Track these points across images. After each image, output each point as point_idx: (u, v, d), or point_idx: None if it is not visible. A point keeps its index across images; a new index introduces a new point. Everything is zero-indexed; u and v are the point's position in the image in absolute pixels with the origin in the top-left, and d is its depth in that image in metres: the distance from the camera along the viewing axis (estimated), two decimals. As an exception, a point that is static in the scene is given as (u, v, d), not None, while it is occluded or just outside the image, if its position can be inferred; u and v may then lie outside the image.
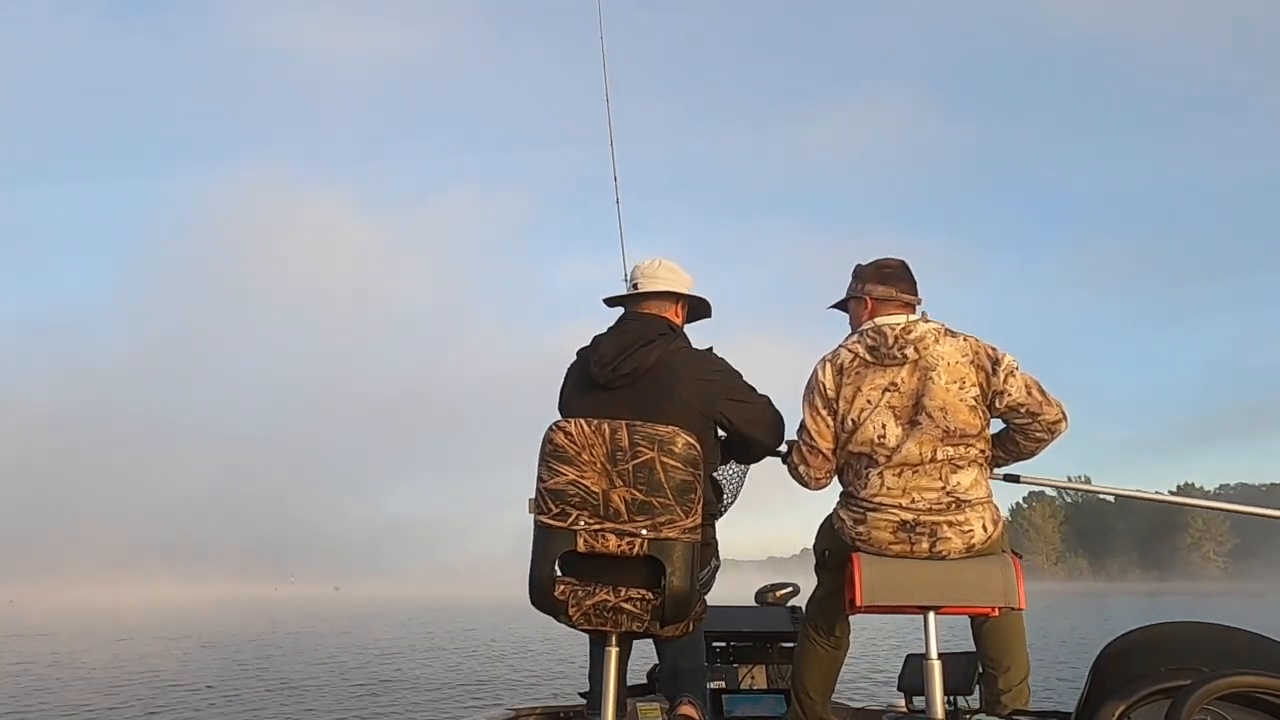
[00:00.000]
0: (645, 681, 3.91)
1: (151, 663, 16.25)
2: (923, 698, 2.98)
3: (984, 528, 3.04)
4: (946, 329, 3.16)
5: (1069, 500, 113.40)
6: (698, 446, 2.84)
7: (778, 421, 3.27)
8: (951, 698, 3.42)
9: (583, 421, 2.85)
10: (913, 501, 3.04)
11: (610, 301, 3.38)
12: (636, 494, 2.82)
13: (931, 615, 2.97)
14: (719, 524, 3.27)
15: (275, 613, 40.24)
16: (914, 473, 3.05)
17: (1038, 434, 3.12)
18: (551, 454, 2.82)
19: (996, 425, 3.20)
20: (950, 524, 3.02)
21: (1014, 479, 3.40)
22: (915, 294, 3.24)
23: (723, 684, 3.78)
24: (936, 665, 2.91)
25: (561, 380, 3.29)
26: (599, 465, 2.82)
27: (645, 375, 3.13)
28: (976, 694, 3.39)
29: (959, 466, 3.06)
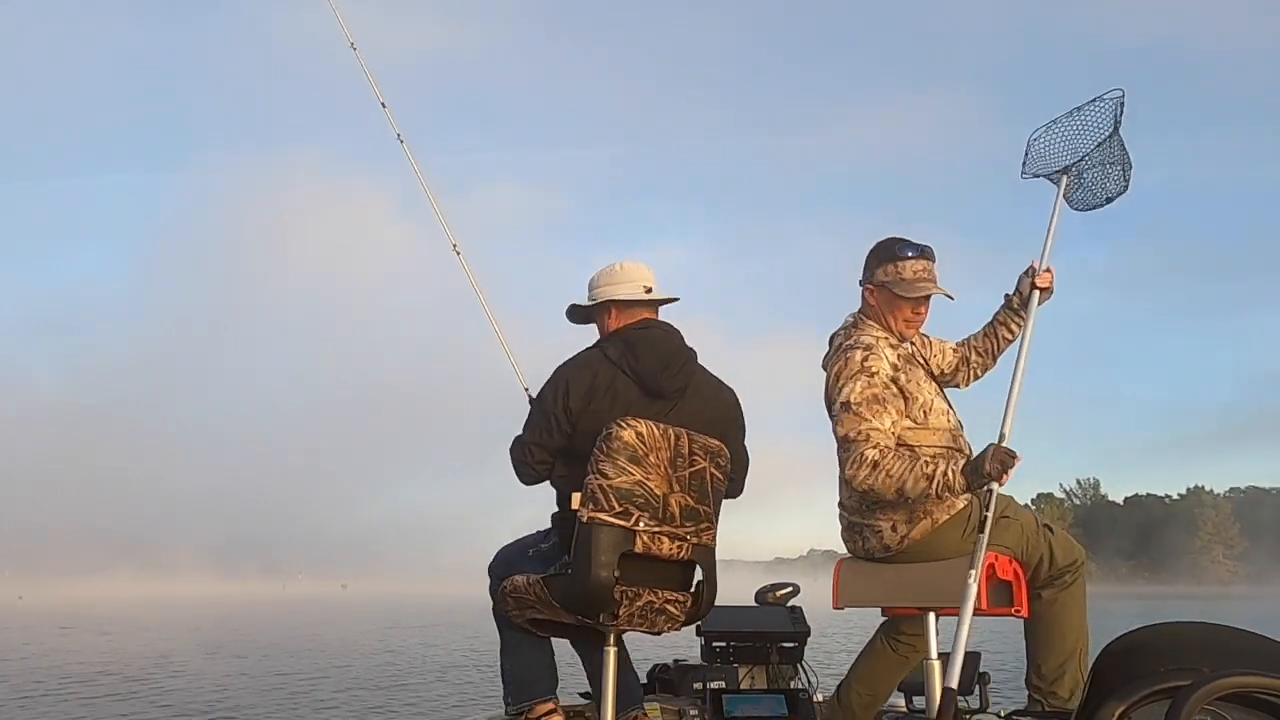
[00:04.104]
0: (645, 681, 3.91)
1: (161, 656, 16.32)
2: (923, 698, 2.97)
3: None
4: None
5: (1077, 502, 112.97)
6: (731, 462, 3.02)
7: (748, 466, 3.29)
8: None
9: (651, 424, 2.86)
10: None
11: (651, 303, 3.22)
12: (689, 500, 2.90)
13: (932, 615, 2.96)
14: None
15: (281, 610, 40.33)
16: None
17: None
18: (620, 451, 2.79)
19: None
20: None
21: None
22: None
23: (723, 684, 3.76)
24: (936, 665, 2.90)
25: (571, 374, 3.10)
26: (662, 469, 2.85)
27: (687, 390, 3.12)
28: (976, 694, 3.38)
29: None
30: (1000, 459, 2.80)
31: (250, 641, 20.47)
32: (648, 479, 2.81)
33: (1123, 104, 3.38)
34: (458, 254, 3.66)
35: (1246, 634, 2.45)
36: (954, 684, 2.63)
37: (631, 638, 3.10)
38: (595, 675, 3.18)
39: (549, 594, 2.87)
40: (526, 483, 3.16)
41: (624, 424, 2.81)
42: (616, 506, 2.77)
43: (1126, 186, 3.43)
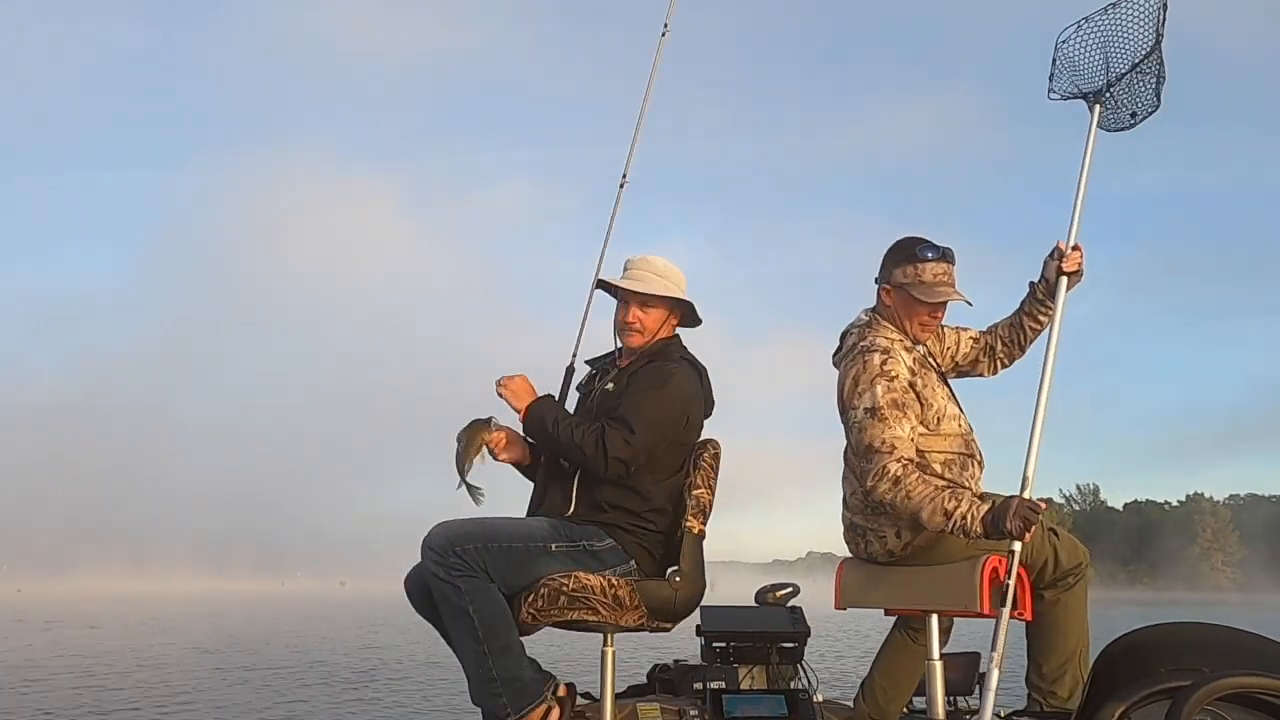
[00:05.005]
0: (646, 681, 3.91)
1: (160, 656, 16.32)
2: (923, 698, 2.98)
3: None
4: None
5: (1077, 508, 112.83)
6: None
7: None
8: (952, 698, 3.42)
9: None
10: None
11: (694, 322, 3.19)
12: None
13: (934, 617, 2.96)
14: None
15: (275, 607, 40.29)
16: None
17: None
18: (716, 469, 3.05)
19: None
20: None
21: None
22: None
23: (723, 684, 3.76)
24: (937, 665, 2.91)
25: (693, 387, 3.04)
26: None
27: None
28: (977, 694, 3.38)
29: None
30: (1023, 515, 2.61)
31: (228, 637, 20.40)
32: (714, 495, 3.04)
33: (1166, 3, 2.94)
34: (621, 187, 3.50)
35: (1246, 634, 2.46)
36: (995, 673, 2.64)
37: (631, 637, 3.11)
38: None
39: (639, 598, 2.85)
40: (600, 479, 2.94)
41: (716, 443, 3.07)
42: (705, 518, 3.00)
43: (1158, 104, 3.04)
